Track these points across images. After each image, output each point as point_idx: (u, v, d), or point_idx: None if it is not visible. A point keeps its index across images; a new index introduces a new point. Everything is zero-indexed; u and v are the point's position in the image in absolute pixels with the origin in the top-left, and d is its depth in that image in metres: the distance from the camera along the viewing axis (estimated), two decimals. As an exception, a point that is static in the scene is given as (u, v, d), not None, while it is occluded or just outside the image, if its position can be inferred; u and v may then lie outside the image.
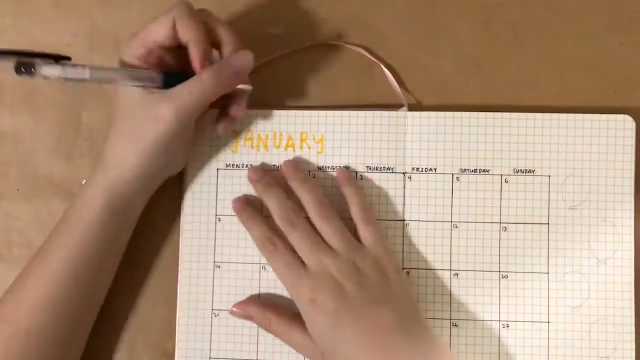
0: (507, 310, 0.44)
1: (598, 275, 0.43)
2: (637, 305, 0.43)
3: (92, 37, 0.47)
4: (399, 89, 0.45)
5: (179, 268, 0.45)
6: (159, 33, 0.39)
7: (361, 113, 0.45)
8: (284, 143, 0.45)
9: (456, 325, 0.44)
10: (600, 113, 0.44)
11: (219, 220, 0.45)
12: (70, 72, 0.35)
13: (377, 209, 0.44)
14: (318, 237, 0.41)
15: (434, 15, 0.46)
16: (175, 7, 0.39)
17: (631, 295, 0.43)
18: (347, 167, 0.45)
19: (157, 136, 0.39)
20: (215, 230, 0.45)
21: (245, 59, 0.40)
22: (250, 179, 0.44)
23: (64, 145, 0.46)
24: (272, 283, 0.44)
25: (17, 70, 0.32)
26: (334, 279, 0.39)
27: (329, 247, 0.41)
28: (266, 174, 0.44)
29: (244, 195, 0.45)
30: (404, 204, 0.44)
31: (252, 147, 0.45)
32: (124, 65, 0.40)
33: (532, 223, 0.44)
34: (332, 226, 0.41)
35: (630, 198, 0.44)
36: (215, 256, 0.45)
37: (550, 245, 0.44)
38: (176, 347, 0.44)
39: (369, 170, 0.45)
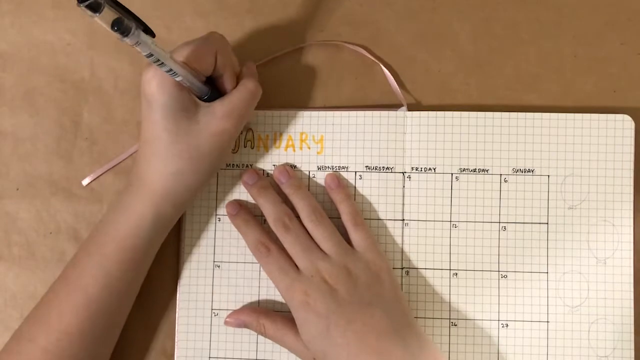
0: (507, 310, 0.44)
1: (597, 275, 0.44)
2: (637, 305, 0.43)
3: (92, 37, 0.47)
4: (399, 89, 0.45)
5: (179, 268, 0.45)
6: (203, 65, 0.39)
7: (360, 113, 0.45)
8: (284, 143, 0.45)
9: (455, 325, 0.44)
10: (600, 113, 0.44)
11: (219, 220, 0.45)
12: (156, 50, 0.34)
13: (377, 209, 0.44)
14: (311, 241, 0.42)
15: (434, 15, 0.46)
16: (215, 41, 0.40)
17: (630, 295, 0.43)
18: (346, 167, 0.45)
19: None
20: (215, 230, 0.45)
21: (254, 66, 0.44)
22: (245, 183, 0.44)
23: (64, 145, 0.46)
24: (271, 282, 0.44)
25: (114, 25, 0.30)
26: (326, 282, 0.40)
27: (322, 251, 0.41)
28: (261, 177, 0.44)
29: (237, 199, 0.45)
30: (403, 204, 0.44)
31: (252, 147, 0.45)
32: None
33: (532, 223, 0.44)
34: (324, 231, 0.42)
35: (629, 198, 0.44)
36: (215, 256, 0.45)
37: (550, 245, 0.44)
38: (176, 347, 0.44)
39: (369, 170, 0.45)
